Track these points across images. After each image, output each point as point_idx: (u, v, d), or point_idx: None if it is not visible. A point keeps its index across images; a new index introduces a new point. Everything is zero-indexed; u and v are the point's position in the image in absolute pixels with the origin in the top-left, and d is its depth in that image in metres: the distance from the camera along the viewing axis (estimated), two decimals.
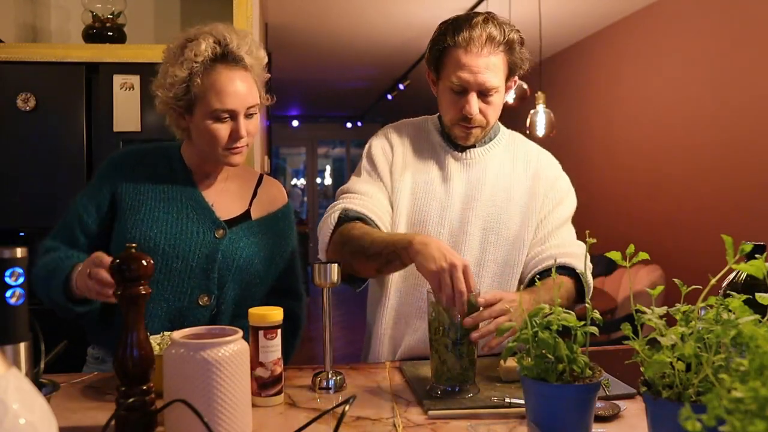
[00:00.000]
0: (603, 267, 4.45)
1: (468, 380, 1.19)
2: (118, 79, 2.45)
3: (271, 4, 4.80)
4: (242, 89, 1.39)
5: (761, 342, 0.65)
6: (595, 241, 0.96)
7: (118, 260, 0.99)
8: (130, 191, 1.45)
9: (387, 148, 1.58)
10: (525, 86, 4.28)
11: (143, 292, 1.00)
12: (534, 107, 4.35)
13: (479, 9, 4.34)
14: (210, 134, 1.39)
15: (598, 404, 1.03)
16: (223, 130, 1.39)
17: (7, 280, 0.87)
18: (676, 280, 0.88)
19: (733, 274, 1.07)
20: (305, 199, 12.24)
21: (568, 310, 0.94)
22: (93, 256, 1.25)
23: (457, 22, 1.44)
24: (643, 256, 0.87)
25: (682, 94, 4.43)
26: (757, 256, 0.86)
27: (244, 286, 1.47)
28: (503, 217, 1.51)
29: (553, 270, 1.02)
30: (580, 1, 4.82)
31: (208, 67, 1.37)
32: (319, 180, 12.61)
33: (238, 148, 1.41)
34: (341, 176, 12.73)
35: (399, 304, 1.51)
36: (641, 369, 0.82)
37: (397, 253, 1.31)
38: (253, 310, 1.17)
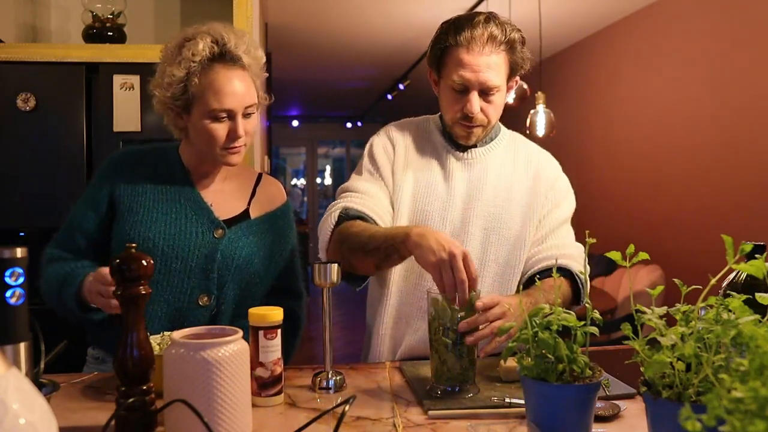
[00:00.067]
0: (603, 267, 4.47)
1: (468, 380, 1.19)
2: (118, 79, 2.45)
3: (271, 4, 4.80)
4: (240, 89, 1.39)
5: (761, 342, 0.65)
6: (594, 241, 0.96)
7: (118, 260, 0.99)
8: (128, 192, 1.45)
9: (389, 146, 1.58)
10: (525, 86, 4.28)
11: (143, 292, 1.00)
12: (534, 107, 4.35)
13: (479, 9, 4.34)
14: (208, 134, 1.39)
15: (598, 404, 1.03)
16: (220, 129, 1.38)
17: (7, 280, 0.87)
18: (676, 280, 0.88)
19: (733, 274, 1.07)
20: (305, 199, 12.24)
21: (567, 310, 0.94)
22: (97, 274, 1.27)
23: (459, 22, 1.45)
24: (643, 256, 0.87)
25: (682, 94, 4.43)
26: (757, 256, 0.86)
27: (243, 285, 1.47)
28: (504, 217, 1.51)
29: (554, 270, 1.02)
30: (580, 1, 4.82)
31: (206, 66, 1.37)
32: (319, 180, 12.61)
33: (236, 147, 1.41)
34: (341, 176, 12.73)
35: (399, 303, 1.51)
36: (641, 369, 0.82)
37: (395, 246, 1.31)
38: (253, 310, 1.17)
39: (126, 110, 2.45)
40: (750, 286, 1.02)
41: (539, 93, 4.34)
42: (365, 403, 1.15)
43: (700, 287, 0.83)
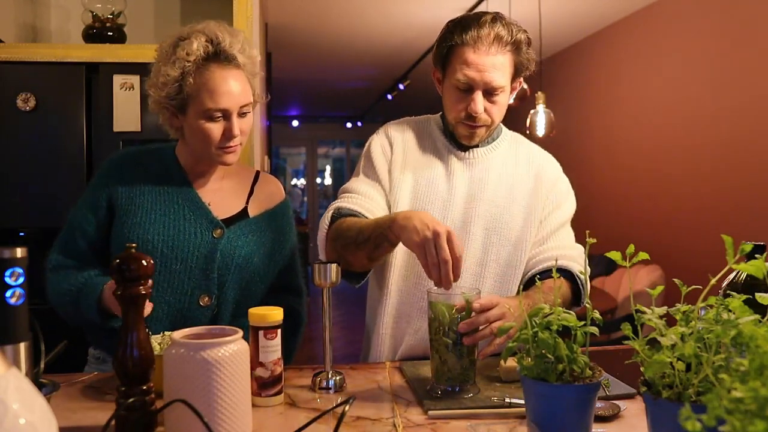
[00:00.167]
0: (603, 267, 4.47)
1: (468, 380, 1.19)
2: (118, 79, 2.45)
3: (271, 4, 4.80)
4: (235, 88, 1.39)
5: (761, 342, 0.65)
6: (595, 241, 0.96)
7: (118, 260, 0.99)
8: (125, 194, 1.45)
9: (386, 145, 1.58)
10: (525, 86, 4.27)
11: (143, 292, 1.00)
12: (534, 107, 4.35)
13: (479, 9, 4.34)
14: (203, 133, 1.39)
15: (598, 404, 1.03)
16: (216, 129, 1.38)
17: (7, 280, 0.87)
18: (676, 280, 0.88)
19: (733, 274, 1.07)
20: (305, 199, 12.24)
21: (567, 311, 0.94)
22: (111, 284, 1.28)
23: (466, 21, 1.45)
24: (643, 256, 0.87)
25: (682, 94, 4.43)
26: (757, 256, 0.86)
27: (244, 284, 1.47)
28: (505, 217, 1.51)
29: (554, 271, 1.02)
30: (580, 1, 4.82)
31: (201, 66, 1.37)
32: (319, 180, 12.61)
33: (231, 147, 1.41)
34: (341, 176, 12.74)
35: (399, 303, 1.51)
36: (641, 369, 0.82)
37: (384, 234, 1.31)
38: (253, 310, 1.17)
39: (126, 110, 2.45)
40: (750, 286, 1.02)
41: (539, 93, 4.35)
42: (365, 403, 1.15)
43: (700, 287, 0.83)
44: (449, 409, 1.10)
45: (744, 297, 0.77)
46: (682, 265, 4.06)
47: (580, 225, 1.54)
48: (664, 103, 4.64)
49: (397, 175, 1.53)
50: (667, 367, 0.77)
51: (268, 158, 4.82)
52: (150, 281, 1.01)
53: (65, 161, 2.45)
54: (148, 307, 1.20)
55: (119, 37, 2.65)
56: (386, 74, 7.53)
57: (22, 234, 2.46)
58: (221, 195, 1.52)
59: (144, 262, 0.99)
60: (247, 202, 1.54)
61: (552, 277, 1.02)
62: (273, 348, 1.16)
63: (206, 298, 1.44)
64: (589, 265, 1.05)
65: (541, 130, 4.28)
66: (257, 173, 1.61)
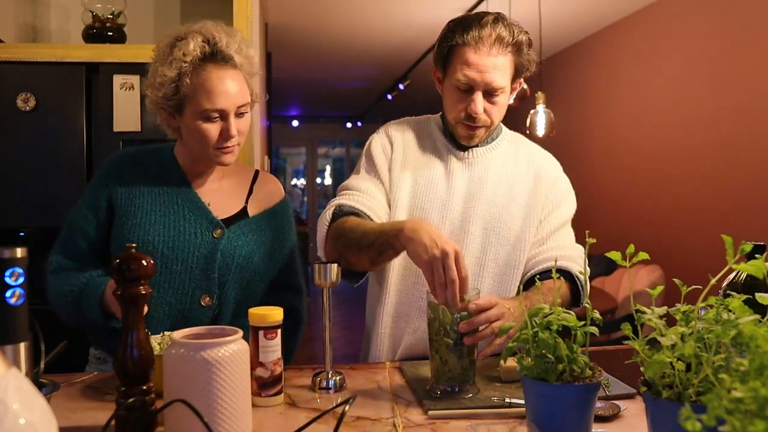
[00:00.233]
0: (603, 267, 4.47)
1: (468, 380, 1.19)
2: (118, 79, 2.45)
3: (271, 4, 4.80)
4: (232, 88, 1.38)
5: (761, 342, 0.65)
6: (595, 241, 0.96)
7: (117, 260, 0.99)
8: (125, 195, 1.45)
9: (387, 144, 1.58)
10: (525, 86, 4.27)
11: (143, 292, 1.00)
12: (534, 107, 4.35)
13: (479, 9, 4.34)
14: (200, 134, 1.39)
15: (598, 404, 1.03)
16: (213, 129, 1.38)
17: (7, 280, 0.87)
18: (676, 280, 0.88)
19: (733, 274, 1.07)
20: (305, 199, 12.24)
21: (567, 311, 0.94)
22: (112, 284, 1.27)
23: (467, 21, 1.45)
24: (643, 256, 0.87)
25: (682, 94, 4.43)
26: (757, 256, 0.86)
27: (244, 284, 1.47)
28: (505, 216, 1.51)
29: (554, 271, 1.02)
30: (580, 1, 4.82)
31: (198, 66, 1.37)
32: (319, 180, 12.61)
33: (228, 147, 1.41)
34: (341, 176, 12.73)
35: (398, 303, 1.51)
36: (641, 369, 0.82)
37: (389, 242, 1.31)
38: (253, 310, 1.17)
39: (126, 110, 2.45)
40: (750, 286, 1.02)
41: (539, 93, 4.35)
42: (365, 403, 1.15)
43: (700, 287, 0.83)
44: (449, 409, 1.10)
45: (744, 297, 0.77)
46: (682, 265, 4.06)
47: (580, 225, 1.54)
48: (664, 103, 4.64)
49: (397, 175, 1.53)
50: (667, 367, 0.77)
51: (268, 158, 4.81)
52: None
53: (65, 161, 2.45)
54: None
55: (119, 37, 2.65)
56: (386, 74, 7.53)
57: (22, 234, 2.46)
58: (220, 195, 1.51)
59: (144, 262, 0.99)
60: (247, 202, 1.54)
61: (551, 277, 1.02)
62: (273, 348, 1.16)
63: (207, 299, 1.44)
64: (589, 265, 1.05)
65: (541, 130, 4.28)
66: (256, 172, 1.61)
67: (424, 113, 1.68)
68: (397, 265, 1.50)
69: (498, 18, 1.45)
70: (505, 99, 1.49)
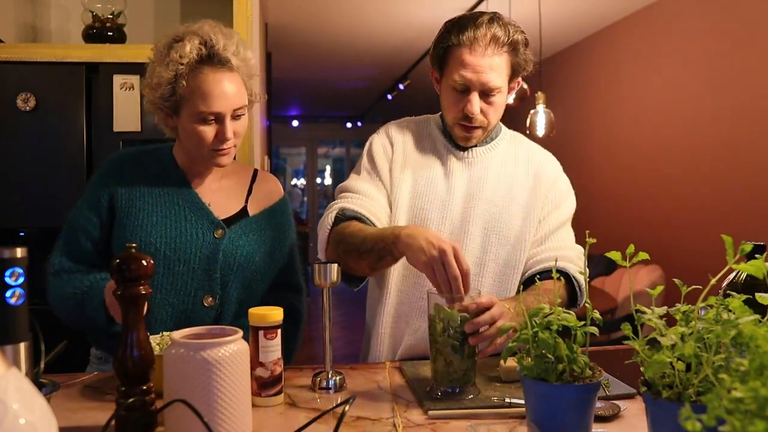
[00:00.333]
0: (603, 267, 4.47)
1: (469, 381, 1.19)
2: (118, 79, 2.45)
3: (271, 4, 4.80)
4: (228, 91, 1.38)
5: (761, 342, 0.65)
6: (595, 241, 0.96)
7: (118, 260, 0.99)
8: (126, 196, 1.45)
9: (387, 145, 1.58)
10: (525, 86, 4.28)
11: (143, 292, 1.00)
12: (534, 107, 4.35)
13: (480, 9, 4.34)
14: (196, 136, 1.39)
15: (598, 404, 1.03)
16: (209, 132, 1.38)
17: (7, 280, 0.87)
18: (676, 280, 0.88)
19: (733, 274, 1.07)
20: (305, 199, 12.24)
21: (567, 311, 0.94)
22: (110, 286, 1.26)
23: (463, 21, 1.44)
24: (643, 256, 0.87)
25: (682, 94, 4.43)
26: (757, 256, 0.86)
27: (246, 284, 1.48)
28: (504, 216, 1.51)
29: (554, 271, 1.02)
30: (580, 1, 4.82)
31: (194, 68, 1.36)
32: (319, 180, 12.61)
33: (224, 149, 1.41)
34: (341, 176, 12.73)
35: (399, 303, 1.51)
36: (641, 369, 0.82)
37: (387, 248, 1.31)
38: (253, 310, 1.17)
39: (126, 110, 2.45)
40: (750, 286, 1.02)
41: (539, 93, 4.35)
42: (365, 403, 1.15)
43: (700, 287, 0.83)
44: (449, 409, 1.10)
45: (744, 297, 0.77)
46: (682, 265, 4.06)
47: (580, 225, 1.54)
48: (664, 103, 4.64)
49: (397, 175, 1.53)
50: (667, 367, 0.77)
51: (268, 158, 4.81)
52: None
53: (65, 161, 2.45)
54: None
55: (119, 37, 2.65)
56: (386, 74, 7.53)
57: (22, 234, 2.46)
58: (221, 195, 1.51)
59: (144, 262, 0.99)
60: (247, 201, 1.54)
61: (551, 277, 1.02)
62: (273, 348, 1.16)
63: (210, 299, 1.44)
64: (589, 265, 1.04)
65: (541, 130, 4.28)
66: (255, 171, 1.61)
67: (424, 113, 1.68)
68: (397, 267, 1.50)
69: (493, 18, 1.44)
70: (502, 99, 1.48)
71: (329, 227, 1.46)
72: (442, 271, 1.18)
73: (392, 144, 1.57)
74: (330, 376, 1.24)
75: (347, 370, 1.34)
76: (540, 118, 4.30)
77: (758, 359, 0.62)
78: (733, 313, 0.76)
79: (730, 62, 3.94)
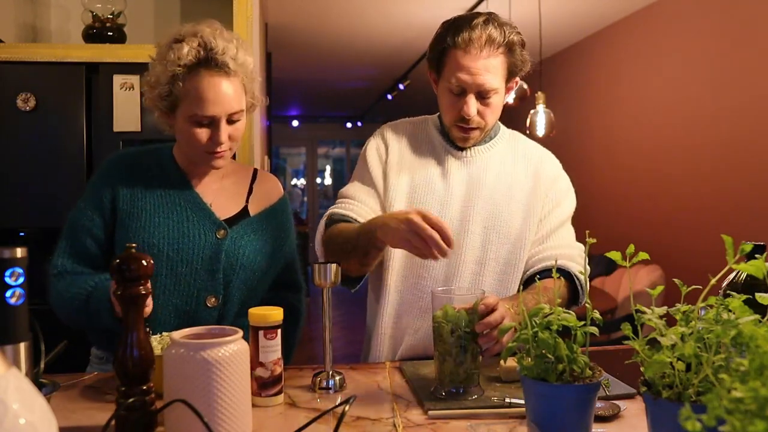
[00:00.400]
0: (603, 267, 4.47)
1: (473, 381, 1.19)
2: (118, 79, 2.45)
3: (271, 4, 4.80)
4: (224, 96, 1.37)
5: (761, 342, 0.65)
6: (595, 241, 0.96)
7: (118, 260, 0.99)
8: (128, 196, 1.44)
9: (382, 148, 1.58)
10: (525, 86, 4.28)
11: (143, 292, 1.00)
12: (534, 107, 4.35)
13: (479, 9, 4.34)
14: (190, 137, 1.39)
15: (598, 404, 1.03)
16: (202, 134, 1.38)
17: (7, 280, 0.87)
18: (676, 280, 0.88)
19: (733, 274, 1.07)
20: (305, 199, 12.24)
21: (567, 311, 0.94)
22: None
23: (458, 23, 1.44)
24: (643, 256, 0.87)
25: (682, 94, 4.43)
26: (757, 256, 0.86)
27: (248, 283, 1.48)
28: (504, 215, 1.51)
29: (554, 271, 1.02)
30: (580, 1, 4.82)
31: (191, 70, 1.36)
32: (319, 180, 12.61)
33: (218, 152, 1.40)
34: (341, 176, 12.74)
35: (399, 303, 1.51)
36: (641, 369, 0.82)
37: (371, 242, 1.33)
38: (253, 310, 1.17)
39: (126, 110, 2.45)
40: (750, 286, 1.02)
41: (539, 93, 4.34)
42: (365, 403, 1.15)
43: (700, 287, 0.83)
44: (449, 409, 1.10)
45: (744, 297, 0.77)
46: (682, 265, 4.06)
47: (580, 225, 1.54)
48: (664, 103, 4.64)
49: (393, 177, 1.53)
50: (667, 367, 0.77)
51: (268, 158, 4.82)
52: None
53: (65, 161, 2.45)
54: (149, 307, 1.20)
55: (119, 37, 2.65)
56: (386, 74, 7.53)
57: (22, 234, 2.46)
58: (222, 195, 1.51)
59: (144, 262, 0.99)
60: (247, 201, 1.54)
61: (551, 276, 1.02)
62: (273, 348, 1.16)
63: (213, 299, 1.44)
64: (589, 265, 1.04)
65: (541, 130, 4.28)
66: (255, 171, 1.61)
67: (424, 113, 1.68)
68: (397, 266, 1.50)
69: (489, 19, 1.43)
70: (499, 100, 1.48)
71: (321, 232, 1.49)
72: (417, 239, 1.20)
73: (387, 146, 1.58)
74: (330, 376, 1.24)
75: (347, 370, 1.34)
76: (540, 118, 4.30)
77: (758, 359, 0.62)
78: (733, 313, 0.76)
79: (730, 62, 3.94)
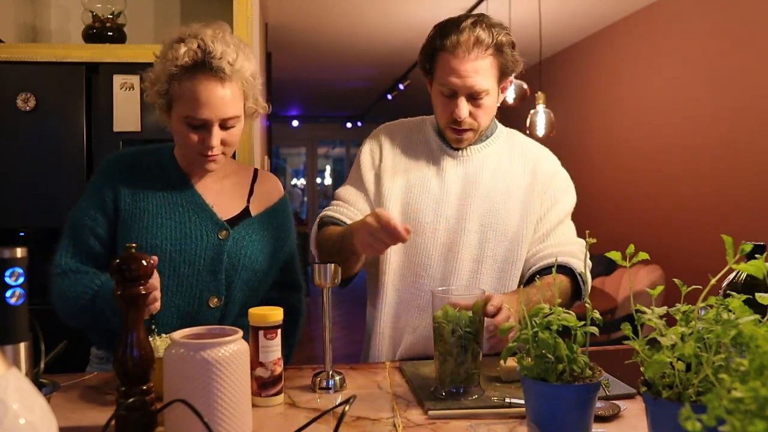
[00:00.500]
0: (603, 267, 4.46)
1: (474, 381, 1.19)
2: (118, 79, 2.45)
3: (271, 4, 4.80)
4: (218, 100, 1.35)
5: (761, 342, 0.65)
6: (595, 241, 0.96)
7: (118, 260, 0.99)
8: (129, 196, 1.44)
9: (375, 150, 1.59)
10: (525, 86, 4.28)
11: (143, 292, 1.00)
12: (534, 107, 4.35)
13: (479, 9, 4.34)
14: (182, 137, 1.39)
15: (598, 404, 1.03)
16: (194, 136, 1.38)
17: (7, 280, 0.87)
18: (676, 280, 0.88)
19: (733, 274, 1.07)
20: (305, 199, 12.25)
21: (567, 311, 0.94)
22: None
23: (446, 26, 1.44)
24: (643, 256, 0.87)
25: (682, 94, 4.43)
26: (757, 256, 0.86)
27: (250, 283, 1.48)
28: (501, 213, 1.51)
29: (554, 270, 1.02)
30: (580, 1, 4.82)
31: (188, 72, 1.35)
32: (319, 180, 12.61)
33: (210, 156, 1.40)
34: (341, 176, 12.75)
35: (398, 303, 1.51)
36: (641, 369, 0.82)
37: (349, 249, 1.35)
38: (253, 310, 1.17)
39: (126, 110, 2.45)
40: (750, 286, 1.02)
41: (539, 93, 4.34)
42: (365, 403, 1.15)
43: (700, 287, 0.83)
44: (449, 409, 1.10)
45: (744, 297, 0.77)
46: (682, 265, 4.06)
47: (580, 225, 1.54)
48: (664, 103, 4.64)
49: (388, 180, 1.54)
50: (667, 367, 0.77)
51: (268, 158, 4.82)
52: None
53: (65, 161, 2.45)
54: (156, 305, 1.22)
55: (119, 37, 2.65)
56: (386, 74, 7.53)
57: (22, 234, 2.46)
58: (223, 195, 1.51)
59: (144, 262, 0.99)
60: (248, 202, 1.54)
61: (552, 274, 1.02)
62: (273, 348, 1.16)
63: (215, 300, 1.44)
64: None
65: (541, 130, 4.28)
66: (255, 171, 1.61)
67: (424, 113, 1.68)
68: (395, 266, 1.50)
69: (477, 21, 1.43)
70: (492, 101, 1.48)
71: (314, 235, 1.52)
72: (376, 237, 1.22)
73: (381, 148, 1.59)
74: (330, 376, 1.24)
75: (347, 370, 1.34)
76: (540, 118, 4.30)
77: (758, 359, 0.62)
78: (733, 313, 0.76)
79: (730, 62, 3.94)
